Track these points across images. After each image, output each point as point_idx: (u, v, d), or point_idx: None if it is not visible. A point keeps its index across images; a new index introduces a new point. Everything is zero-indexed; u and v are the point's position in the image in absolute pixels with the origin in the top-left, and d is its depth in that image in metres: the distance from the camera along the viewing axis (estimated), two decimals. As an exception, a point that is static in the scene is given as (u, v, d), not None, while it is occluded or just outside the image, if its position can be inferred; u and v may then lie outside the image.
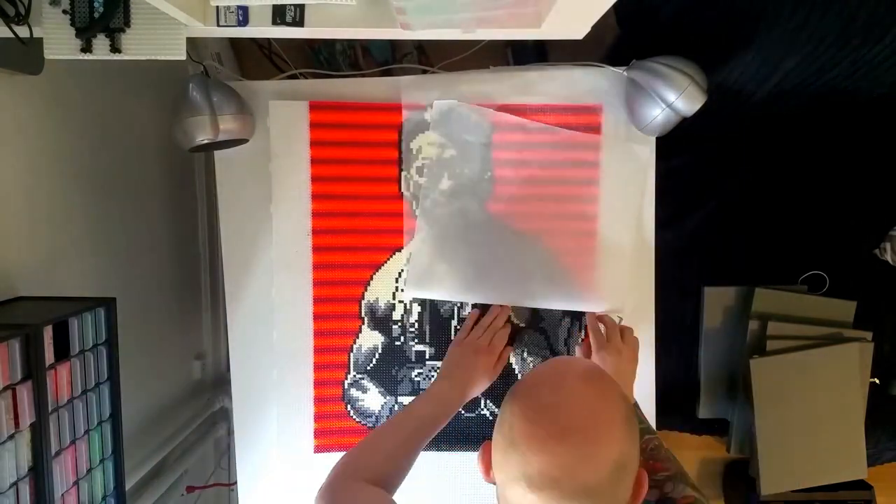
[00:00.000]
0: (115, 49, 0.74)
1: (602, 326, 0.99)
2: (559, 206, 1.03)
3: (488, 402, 1.06)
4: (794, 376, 1.29)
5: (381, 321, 1.05)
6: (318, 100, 1.01)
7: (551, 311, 1.04)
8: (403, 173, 1.03)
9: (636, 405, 0.91)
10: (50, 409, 0.73)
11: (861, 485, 1.50)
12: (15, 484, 0.68)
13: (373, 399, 1.06)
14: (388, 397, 1.06)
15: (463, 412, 1.06)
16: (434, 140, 1.02)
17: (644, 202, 1.04)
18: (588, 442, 0.57)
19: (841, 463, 1.34)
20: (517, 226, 1.03)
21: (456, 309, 1.05)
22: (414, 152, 1.02)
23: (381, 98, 1.02)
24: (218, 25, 0.75)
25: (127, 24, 0.74)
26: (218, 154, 1.03)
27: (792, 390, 1.30)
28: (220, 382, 1.46)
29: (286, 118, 1.01)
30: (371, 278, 1.04)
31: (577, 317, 1.05)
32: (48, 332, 0.72)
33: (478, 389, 0.95)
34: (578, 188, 1.03)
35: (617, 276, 1.04)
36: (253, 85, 1.02)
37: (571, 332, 1.05)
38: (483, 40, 1.03)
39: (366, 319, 1.05)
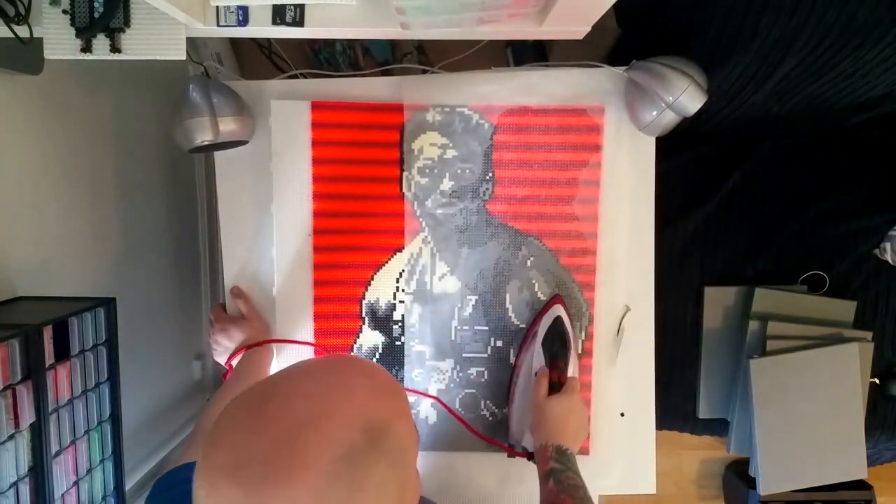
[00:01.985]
0: (115, 49, 0.74)
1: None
2: (560, 208, 1.03)
3: (488, 402, 1.06)
4: (794, 376, 1.30)
5: (382, 321, 1.05)
6: (320, 99, 1.01)
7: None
8: (405, 173, 1.03)
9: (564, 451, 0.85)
10: (50, 409, 0.73)
11: (861, 485, 1.51)
12: (15, 484, 0.68)
13: (373, 399, 1.06)
14: (388, 397, 1.06)
15: (462, 411, 1.06)
16: (436, 140, 1.02)
17: (644, 202, 1.04)
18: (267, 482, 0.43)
19: (841, 463, 1.34)
20: (518, 227, 1.03)
21: (456, 310, 1.05)
22: (415, 152, 1.02)
23: (381, 98, 1.02)
24: (218, 25, 0.75)
25: (127, 24, 0.74)
26: (218, 154, 1.03)
27: (792, 390, 1.30)
28: (220, 382, 1.46)
29: (288, 118, 1.01)
30: (372, 278, 1.04)
31: (576, 320, 1.05)
32: (48, 332, 0.72)
33: None
34: (579, 189, 1.03)
35: (618, 278, 1.04)
36: (253, 85, 1.02)
37: (573, 337, 1.05)
38: (483, 40, 1.03)
39: (366, 319, 1.05)
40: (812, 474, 1.35)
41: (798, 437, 1.32)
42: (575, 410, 0.91)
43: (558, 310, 0.99)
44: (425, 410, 1.06)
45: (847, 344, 1.30)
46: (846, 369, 1.30)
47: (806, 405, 1.31)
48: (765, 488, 1.33)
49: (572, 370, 0.97)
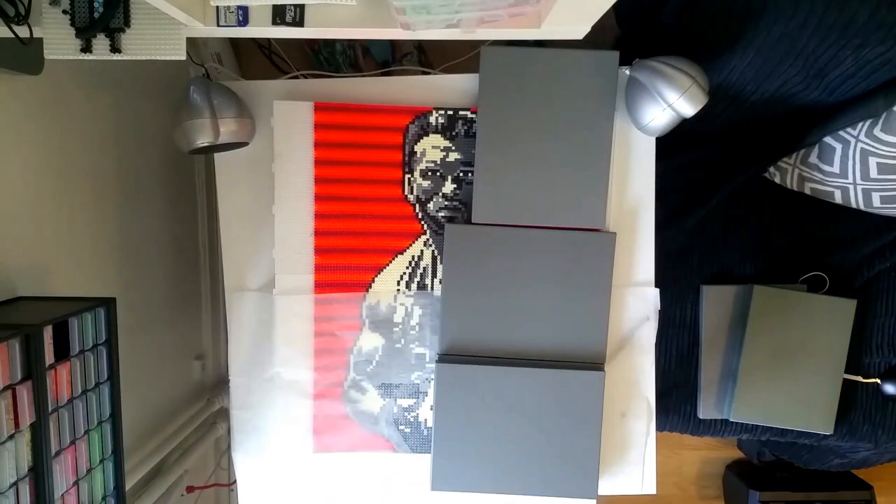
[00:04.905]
0: (115, 49, 0.74)
1: None
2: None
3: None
4: (790, 314, 1.29)
5: (382, 323, 1.05)
6: (320, 100, 1.01)
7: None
8: (407, 176, 1.02)
9: None
10: (50, 409, 0.73)
11: (861, 485, 1.51)
12: (15, 484, 0.68)
13: (372, 401, 1.06)
14: (387, 399, 1.06)
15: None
16: (438, 143, 1.02)
17: (644, 202, 1.04)
18: None
19: (811, 412, 1.33)
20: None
21: (456, 309, 1.05)
22: (418, 155, 1.02)
23: (382, 99, 1.02)
24: (218, 25, 0.75)
25: (127, 24, 0.74)
26: (218, 156, 1.03)
27: (785, 327, 1.30)
28: (220, 382, 1.46)
29: (291, 118, 1.01)
30: (373, 281, 1.04)
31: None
32: (48, 332, 0.72)
33: None
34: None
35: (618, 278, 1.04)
36: (253, 86, 1.02)
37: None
38: (483, 40, 1.03)
39: (367, 321, 1.05)
40: (781, 414, 1.34)
41: (778, 374, 1.32)
42: None
43: None
44: (424, 413, 1.06)
45: (846, 299, 1.29)
46: (839, 322, 1.30)
47: (794, 346, 1.30)
48: (735, 414, 1.33)
49: None
